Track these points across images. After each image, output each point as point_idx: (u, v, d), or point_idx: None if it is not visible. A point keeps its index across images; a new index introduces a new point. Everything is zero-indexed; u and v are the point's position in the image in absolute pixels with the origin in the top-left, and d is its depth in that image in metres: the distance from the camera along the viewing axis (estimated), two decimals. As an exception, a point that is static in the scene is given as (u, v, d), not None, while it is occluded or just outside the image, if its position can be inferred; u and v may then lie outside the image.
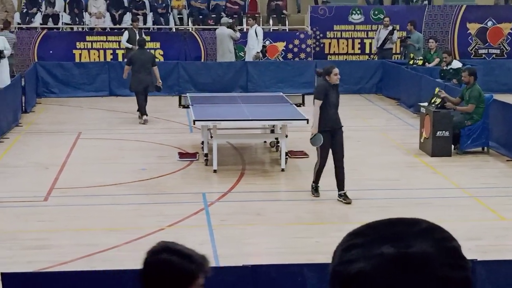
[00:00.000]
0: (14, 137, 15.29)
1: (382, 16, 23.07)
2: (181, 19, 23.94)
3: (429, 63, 19.86)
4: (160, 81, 16.97)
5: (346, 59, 23.19)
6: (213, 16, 23.80)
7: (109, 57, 22.20)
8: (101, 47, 22.35)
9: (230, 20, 22.24)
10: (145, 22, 23.31)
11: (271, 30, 23.90)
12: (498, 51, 23.95)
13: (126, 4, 23.72)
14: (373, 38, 23.00)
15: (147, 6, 23.72)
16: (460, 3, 24.34)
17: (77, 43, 22.32)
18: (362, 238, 1.44)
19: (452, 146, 13.70)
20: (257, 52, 21.47)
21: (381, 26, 22.41)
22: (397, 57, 22.55)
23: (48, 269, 8.11)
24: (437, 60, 19.61)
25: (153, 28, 23.42)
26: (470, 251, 8.16)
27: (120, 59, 21.67)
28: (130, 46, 19.95)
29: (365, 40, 23.65)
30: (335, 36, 23.64)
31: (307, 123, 12.04)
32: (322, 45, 23.53)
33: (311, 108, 11.20)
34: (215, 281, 4.05)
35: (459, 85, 15.85)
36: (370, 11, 23.81)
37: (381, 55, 22.09)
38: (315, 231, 9.69)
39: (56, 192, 11.34)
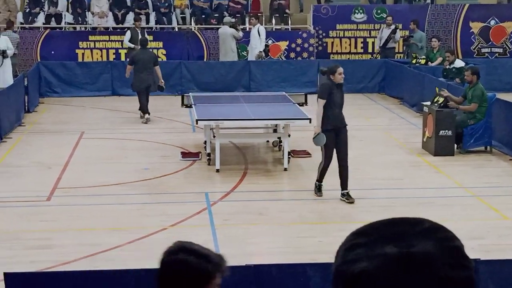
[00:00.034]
0: (17, 137, 15.30)
1: (384, 15, 23.06)
2: (183, 19, 23.94)
3: (431, 62, 19.84)
4: (162, 80, 16.97)
5: (348, 58, 23.16)
6: (215, 15, 23.79)
7: (111, 57, 22.20)
8: (104, 46, 22.36)
9: (233, 20, 22.23)
10: (147, 21, 23.31)
11: (273, 30, 23.87)
12: (501, 50, 23.91)
13: (128, 3, 23.72)
14: (376, 37, 22.98)
15: (150, 5, 23.70)
16: (463, 2, 24.31)
17: (80, 43, 22.33)
18: (365, 238, 1.44)
19: (455, 145, 13.68)
20: (260, 52, 21.46)
21: (384, 25, 22.39)
22: (400, 56, 22.53)
23: (50, 269, 8.12)
24: (440, 59, 19.59)
25: (156, 27, 23.42)
26: (473, 251, 8.15)
27: (123, 58, 21.66)
28: (132, 45, 19.91)
29: (367, 39, 23.63)
30: (338, 35, 23.62)
31: (310, 122, 12.04)
32: (324, 44, 23.51)
33: (314, 107, 11.19)
34: (218, 281, 4.03)
35: (462, 84, 15.83)
36: (372, 10, 23.79)
37: (384, 54, 22.05)
38: (318, 230, 9.69)
39: (59, 192, 11.34)
